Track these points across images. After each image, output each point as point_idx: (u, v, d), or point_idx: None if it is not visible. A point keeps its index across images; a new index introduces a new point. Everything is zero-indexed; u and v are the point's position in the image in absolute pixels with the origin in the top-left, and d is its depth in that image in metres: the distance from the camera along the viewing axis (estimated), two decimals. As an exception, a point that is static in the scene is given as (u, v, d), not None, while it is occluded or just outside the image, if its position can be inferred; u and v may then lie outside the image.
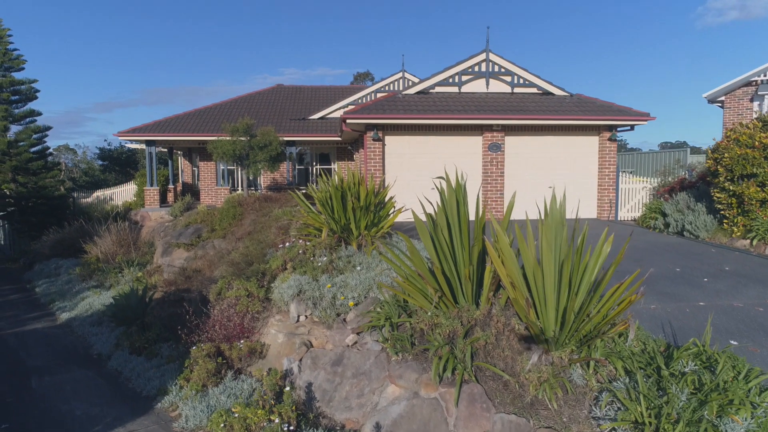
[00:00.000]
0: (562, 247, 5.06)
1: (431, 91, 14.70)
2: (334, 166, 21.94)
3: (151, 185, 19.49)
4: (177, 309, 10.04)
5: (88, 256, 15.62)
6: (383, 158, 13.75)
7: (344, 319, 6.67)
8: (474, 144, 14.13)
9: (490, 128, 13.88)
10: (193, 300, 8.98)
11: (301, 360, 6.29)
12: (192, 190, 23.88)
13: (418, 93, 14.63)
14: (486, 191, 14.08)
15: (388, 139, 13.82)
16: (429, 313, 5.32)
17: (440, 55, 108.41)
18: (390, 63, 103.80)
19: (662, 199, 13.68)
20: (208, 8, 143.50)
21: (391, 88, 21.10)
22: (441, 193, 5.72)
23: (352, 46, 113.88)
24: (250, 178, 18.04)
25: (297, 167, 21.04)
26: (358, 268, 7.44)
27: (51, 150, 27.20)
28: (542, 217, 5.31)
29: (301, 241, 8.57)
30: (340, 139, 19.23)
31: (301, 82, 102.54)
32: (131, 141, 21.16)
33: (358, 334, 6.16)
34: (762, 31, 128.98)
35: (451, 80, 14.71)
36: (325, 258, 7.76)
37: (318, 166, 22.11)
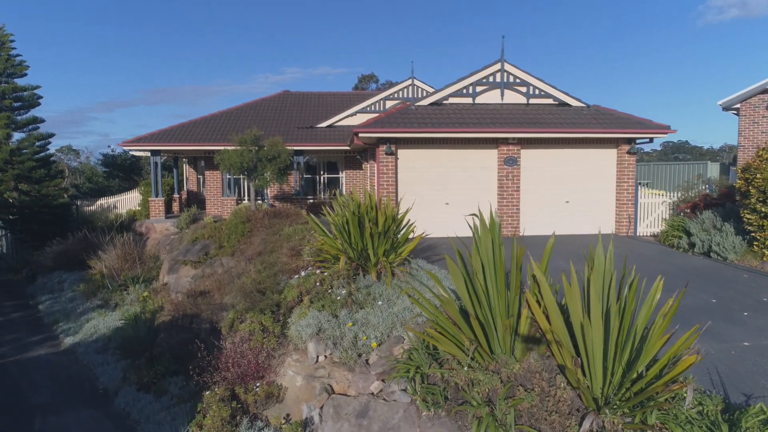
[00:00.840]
0: (611, 297, 4.68)
1: (445, 102, 14.29)
2: (342, 175, 21.54)
3: (156, 196, 19.11)
4: (186, 335, 9.67)
5: (92, 272, 15.25)
6: (396, 172, 13.35)
7: (367, 361, 6.29)
8: (489, 157, 13.72)
9: (505, 141, 13.46)
10: (204, 330, 8.59)
11: (322, 408, 5.91)
12: (197, 199, 23.50)
13: (431, 104, 14.22)
14: (501, 206, 13.66)
15: (400, 152, 13.42)
16: (465, 368, 4.92)
17: (448, 59, 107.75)
18: (393, 63, 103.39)
19: (682, 215, 13.25)
20: (210, 8, 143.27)
21: (401, 96, 20.69)
22: (474, 231, 5.32)
23: (354, 46, 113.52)
24: (257, 189, 17.62)
25: (304, 176, 20.64)
26: (380, 302, 7.05)
27: (53, 154, 26.86)
28: (588, 262, 4.92)
29: (318, 270, 8.18)
30: (348, 148, 18.83)
31: (302, 82, 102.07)
32: (136, 150, 20.77)
33: (383, 381, 5.77)
34: (766, 32, 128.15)
35: (465, 91, 14.30)
36: (344, 291, 7.36)
37: (325, 175, 21.73)
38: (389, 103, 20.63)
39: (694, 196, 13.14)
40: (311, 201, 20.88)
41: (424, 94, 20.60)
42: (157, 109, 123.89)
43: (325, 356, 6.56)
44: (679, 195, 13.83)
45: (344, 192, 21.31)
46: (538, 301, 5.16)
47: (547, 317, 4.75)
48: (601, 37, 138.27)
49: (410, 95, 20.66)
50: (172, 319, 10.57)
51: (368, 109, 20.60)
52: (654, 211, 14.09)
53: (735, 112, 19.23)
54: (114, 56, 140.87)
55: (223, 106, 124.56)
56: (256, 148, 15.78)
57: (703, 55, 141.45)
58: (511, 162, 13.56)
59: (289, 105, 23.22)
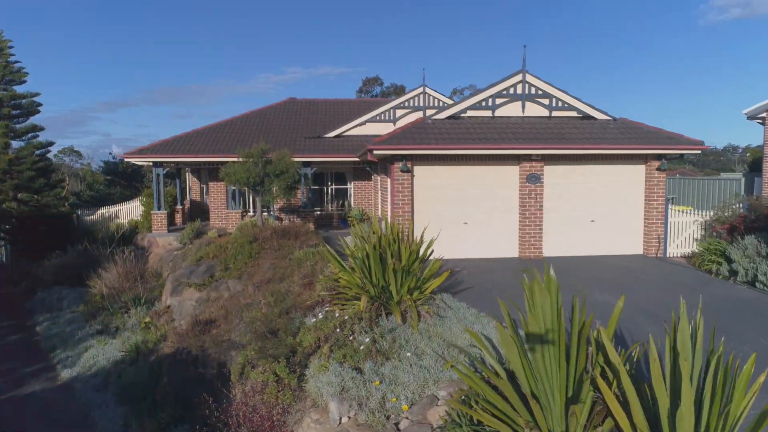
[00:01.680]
0: (694, 377, 3.97)
1: (463, 115, 13.55)
2: (350, 186, 20.82)
3: (159, 209, 18.41)
4: (191, 372, 8.99)
5: (92, 291, 14.57)
6: (412, 191, 12.62)
7: (397, 425, 5.58)
8: (510, 174, 12.98)
9: (528, 158, 12.72)
10: (210, 374, 7.88)
11: (348, 484, 5.20)
12: (200, 209, 22.82)
13: (448, 118, 13.48)
14: (523, 226, 12.93)
15: (416, 168, 12.69)
16: (523, 459, 4.20)
17: (455, 62, 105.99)
18: (397, 64, 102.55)
19: (715, 234, 12.50)
20: (211, 8, 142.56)
21: (412, 104, 19.96)
22: (528, 290, 4.60)
23: (356, 46, 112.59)
24: (264, 203, 16.91)
25: (311, 187, 19.92)
26: (408, 353, 6.33)
27: (53, 163, 26.19)
28: (669, 335, 4.21)
29: (336, 309, 7.47)
30: (357, 159, 18.11)
31: (304, 81, 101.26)
32: (138, 161, 20.07)
33: (418, 455, 5.06)
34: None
35: (483, 103, 13.56)
36: (367, 338, 6.65)
37: (333, 186, 21.00)
38: (399, 112, 19.93)
39: (730, 216, 12.35)
40: (318, 213, 20.18)
41: (436, 103, 19.89)
42: (159, 109, 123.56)
43: (349, 417, 5.84)
44: (712, 214, 13.05)
45: (353, 204, 20.59)
46: (603, 373, 4.47)
47: (620, 400, 4.03)
48: (594, 39, 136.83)
49: (421, 104, 19.94)
50: (175, 352, 9.87)
51: (378, 118, 19.89)
52: (685, 231, 13.32)
53: (760, 121, 18.50)
54: (115, 56, 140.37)
55: (224, 105, 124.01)
56: (263, 161, 15.08)
57: (704, 56, 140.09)
58: (534, 179, 12.83)
59: (296, 113, 22.51)
